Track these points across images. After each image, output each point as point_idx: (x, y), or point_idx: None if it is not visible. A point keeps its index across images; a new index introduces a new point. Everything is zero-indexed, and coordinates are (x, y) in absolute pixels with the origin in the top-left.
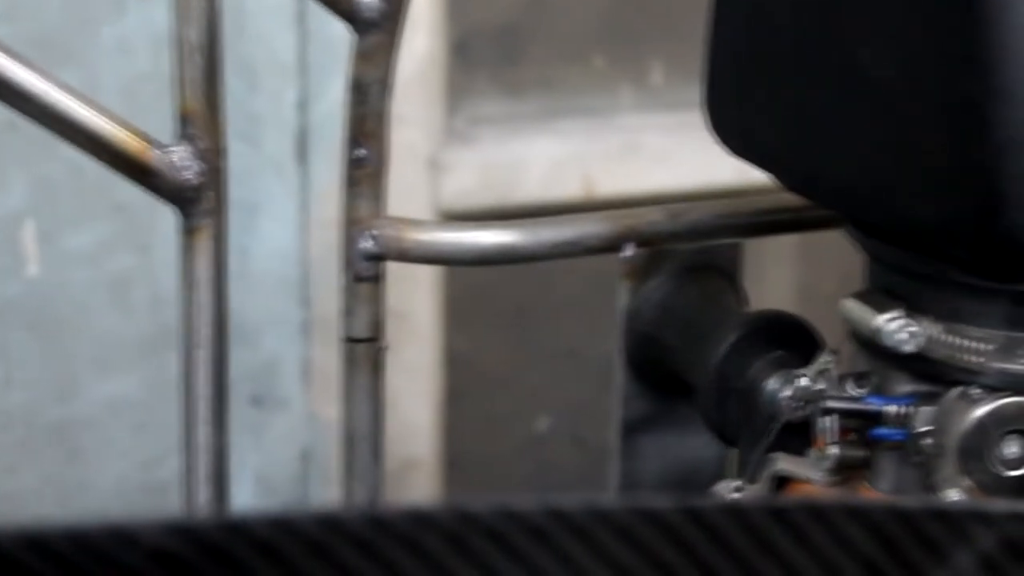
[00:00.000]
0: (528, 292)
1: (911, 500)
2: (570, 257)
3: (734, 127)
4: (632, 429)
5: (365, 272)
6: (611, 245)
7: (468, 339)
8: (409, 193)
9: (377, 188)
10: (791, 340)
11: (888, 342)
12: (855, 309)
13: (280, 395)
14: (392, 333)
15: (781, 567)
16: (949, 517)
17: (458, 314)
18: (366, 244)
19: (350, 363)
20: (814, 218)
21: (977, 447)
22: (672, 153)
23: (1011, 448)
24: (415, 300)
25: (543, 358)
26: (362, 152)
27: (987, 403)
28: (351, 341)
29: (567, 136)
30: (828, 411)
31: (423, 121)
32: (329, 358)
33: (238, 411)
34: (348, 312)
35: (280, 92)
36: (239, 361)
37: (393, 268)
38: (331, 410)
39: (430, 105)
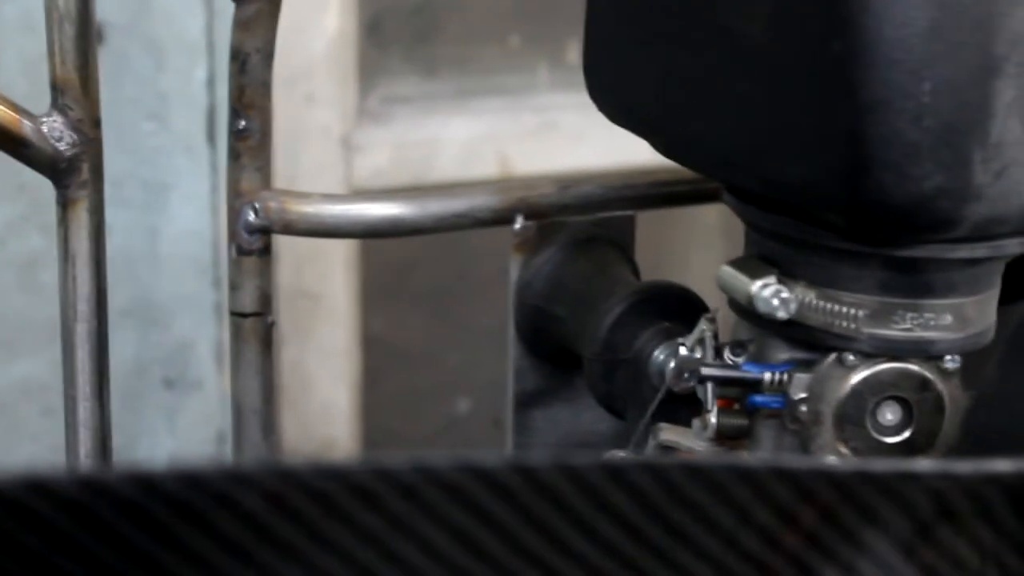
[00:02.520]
0: (445, 271)
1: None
2: (459, 229)
3: (612, 93)
4: (525, 403)
5: (250, 245)
6: (501, 217)
7: (385, 320)
8: (322, 173)
9: (261, 160)
10: (679, 311)
11: (762, 308)
12: (730, 276)
13: (194, 377)
14: (307, 315)
15: (619, 525)
16: (874, 478)
17: (374, 295)
18: (250, 217)
19: (238, 338)
20: (707, 190)
21: (854, 414)
22: (588, 132)
23: (888, 415)
24: (329, 281)
25: (462, 338)
26: (244, 123)
27: (863, 369)
28: (238, 316)
29: (482, 115)
30: (704, 379)
31: (335, 101)
32: None
33: (151, 394)
34: (234, 286)
35: (189, 70)
36: (152, 343)
37: (306, 249)
38: None
39: (342, 85)
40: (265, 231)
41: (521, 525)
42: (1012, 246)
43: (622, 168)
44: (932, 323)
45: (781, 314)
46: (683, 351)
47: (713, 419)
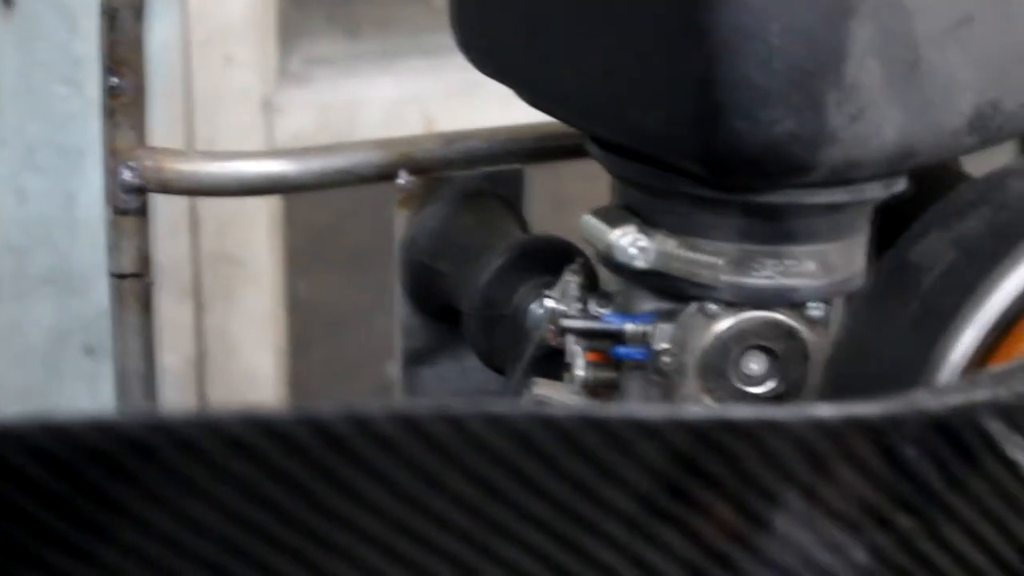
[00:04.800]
0: (371, 233)
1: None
2: (342, 186)
3: (479, 43)
4: (414, 361)
5: (127, 205)
6: (385, 173)
7: (310, 284)
8: (243, 136)
9: (136, 118)
10: (561, 264)
11: (620, 258)
12: (592, 226)
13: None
14: (230, 279)
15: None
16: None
17: (299, 258)
18: (126, 176)
19: (117, 300)
20: None
21: (717, 364)
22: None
23: (753, 364)
24: (252, 245)
25: (390, 302)
26: (116, 81)
27: (726, 319)
28: (117, 277)
29: (406, 76)
30: (564, 331)
31: (256, 62)
32: (164, 306)
33: (72, 361)
34: (113, 247)
35: (102, 34)
36: (71, 311)
37: (228, 213)
38: (168, 357)
39: (263, 46)
40: (142, 190)
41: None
42: (874, 190)
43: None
44: (794, 270)
45: (639, 263)
46: (550, 303)
47: (580, 372)
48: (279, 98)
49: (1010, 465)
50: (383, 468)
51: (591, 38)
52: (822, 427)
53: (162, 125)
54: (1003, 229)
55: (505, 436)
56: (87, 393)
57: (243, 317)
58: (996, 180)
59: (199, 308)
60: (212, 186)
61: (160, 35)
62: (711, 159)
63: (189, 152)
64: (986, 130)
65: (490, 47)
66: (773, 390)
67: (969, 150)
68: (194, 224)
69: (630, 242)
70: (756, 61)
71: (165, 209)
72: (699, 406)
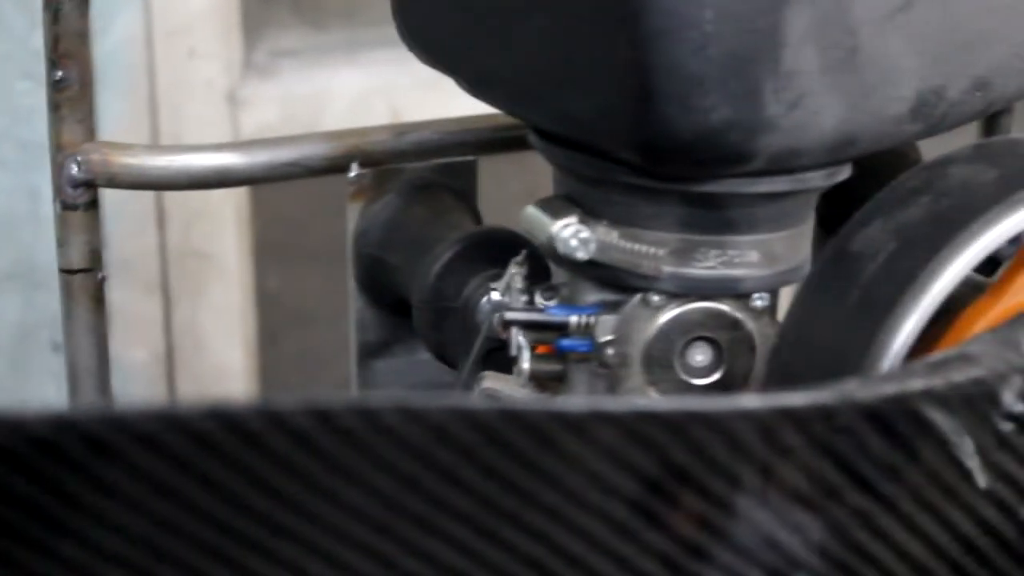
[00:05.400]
0: (340, 227)
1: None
2: (293, 179)
3: (420, 32)
4: (369, 356)
5: (75, 199)
6: (336, 166)
7: (280, 278)
8: (208, 130)
9: (82, 112)
10: (510, 256)
11: (561, 249)
12: (533, 217)
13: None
14: (198, 274)
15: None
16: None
17: (267, 252)
18: (73, 170)
19: (68, 296)
20: None
21: (661, 355)
22: None
23: (698, 356)
24: (220, 240)
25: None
26: (60, 74)
27: (669, 310)
28: (66, 272)
29: (372, 67)
30: (508, 324)
31: (220, 55)
32: (131, 301)
33: (39, 357)
34: (62, 242)
35: None
36: (38, 307)
37: (194, 207)
38: (136, 353)
39: (227, 39)
40: (90, 185)
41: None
42: (816, 179)
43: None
44: (737, 260)
45: (580, 255)
46: (496, 296)
47: (525, 364)
48: (244, 91)
49: (948, 454)
50: (345, 461)
51: (528, 25)
52: (750, 418)
53: (126, 119)
54: (944, 217)
55: (468, 428)
56: (55, 389)
57: (211, 312)
58: (938, 168)
59: (167, 303)
60: (160, 180)
61: (122, 28)
62: (646, 148)
63: (136, 146)
64: (930, 117)
65: (431, 36)
66: (719, 381)
67: (913, 137)
68: (161, 219)
69: (571, 233)
70: (690, 48)
71: (131, 204)
72: (623, 398)
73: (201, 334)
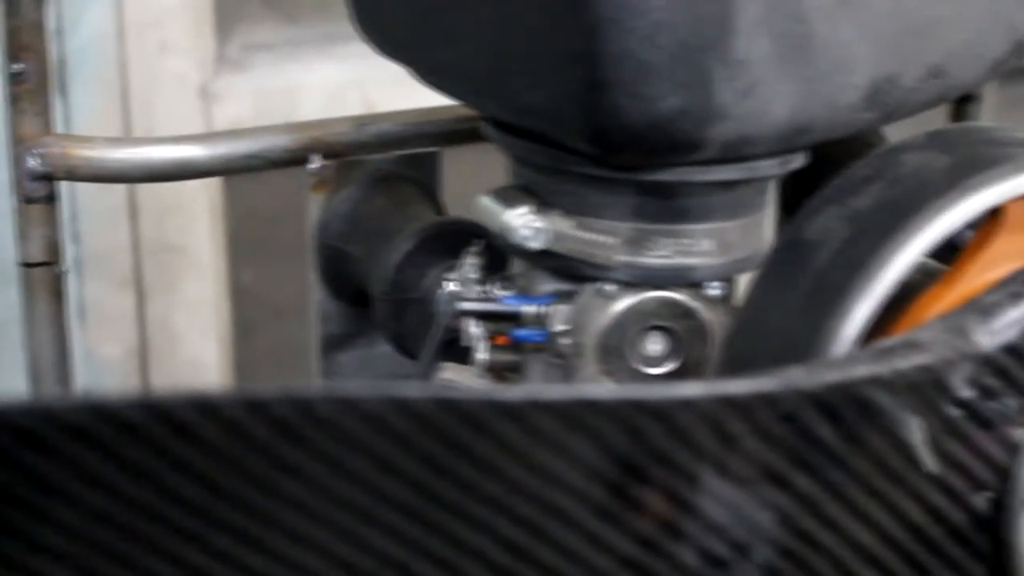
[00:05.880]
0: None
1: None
2: (253, 171)
3: (374, 23)
4: (332, 348)
5: (34, 193)
6: (296, 158)
7: (254, 272)
8: (181, 124)
9: (40, 104)
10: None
11: (515, 239)
12: (487, 207)
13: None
14: (171, 268)
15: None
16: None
17: (241, 246)
18: (33, 163)
19: (27, 289)
20: None
21: (616, 345)
22: None
23: (653, 345)
24: (192, 232)
25: None
26: (20, 67)
27: (623, 299)
28: (26, 266)
29: (346, 61)
30: (461, 314)
31: (193, 49)
32: (104, 295)
33: (10, 353)
34: (22, 236)
35: None
36: (7, 302)
37: (167, 200)
38: (110, 348)
39: (199, 33)
40: (49, 178)
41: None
42: (769, 167)
43: None
44: (691, 249)
45: (533, 244)
46: (452, 287)
47: (480, 355)
48: (217, 85)
49: (895, 440)
50: (280, 451)
51: (479, 14)
52: (691, 406)
53: (98, 115)
54: (895, 204)
55: (404, 416)
56: (27, 384)
57: (186, 306)
58: (891, 156)
59: (141, 297)
60: (120, 172)
61: (93, 23)
62: (597, 136)
63: (95, 138)
64: (885, 105)
65: (385, 27)
66: (675, 370)
67: (868, 125)
68: (133, 213)
69: (524, 223)
70: (639, 36)
71: (103, 199)
72: (561, 386)
73: (175, 328)
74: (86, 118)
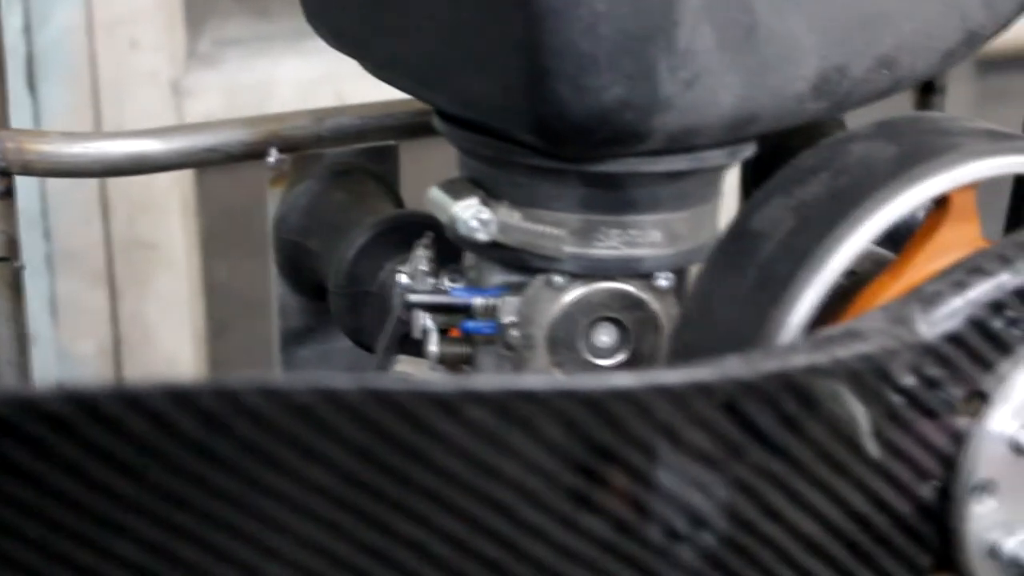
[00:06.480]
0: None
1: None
2: (210, 165)
3: (324, 16)
4: (293, 342)
5: None
6: (255, 152)
7: (228, 268)
8: (152, 120)
9: None
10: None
11: (463, 230)
12: (436, 199)
13: (29, 332)
14: (144, 265)
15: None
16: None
17: (215, 242)
18: None
19: None
20: None
21: (565, 336)
22: None
23: (603, 336)
24: (165, 229)
25: None
26: None
27: (572, 290)
28: None
29: (318, 55)
30: (411, 306)
31: (163, 45)
32: (77, 292)
33: None
34: None
35: (3, 18)
36: None
37: (139, 197)
38: (83, 345)
39: (170, 29)
40: (4, 173)
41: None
42: (717, 157)
43: None
44: (639, 240)
45: (481, 236)
46: (403, 279)
47: (432, 347)
48: (188, 80)
49: (836, 429)
50: (206, 442)
51: (426, 6)
52: (624, 396)
53: (68, 110)
54: (841, 194)
55: (332, 408)
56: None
57: (159, 302)
58: (838, 145)
59: (114, 294)
60: (75, 167)
61: (63, 18)
62: (541, 128)
63: (51, 132)
64: (834, 95)
65: (335, 20)
66: (625, 361)
67: (818, 116)
68: (105, 209)
69: (472, 215)
70: (581, 26)
71: (75, 195)
72: (493, 376)
73: (149, 325)
74: (57, 115)
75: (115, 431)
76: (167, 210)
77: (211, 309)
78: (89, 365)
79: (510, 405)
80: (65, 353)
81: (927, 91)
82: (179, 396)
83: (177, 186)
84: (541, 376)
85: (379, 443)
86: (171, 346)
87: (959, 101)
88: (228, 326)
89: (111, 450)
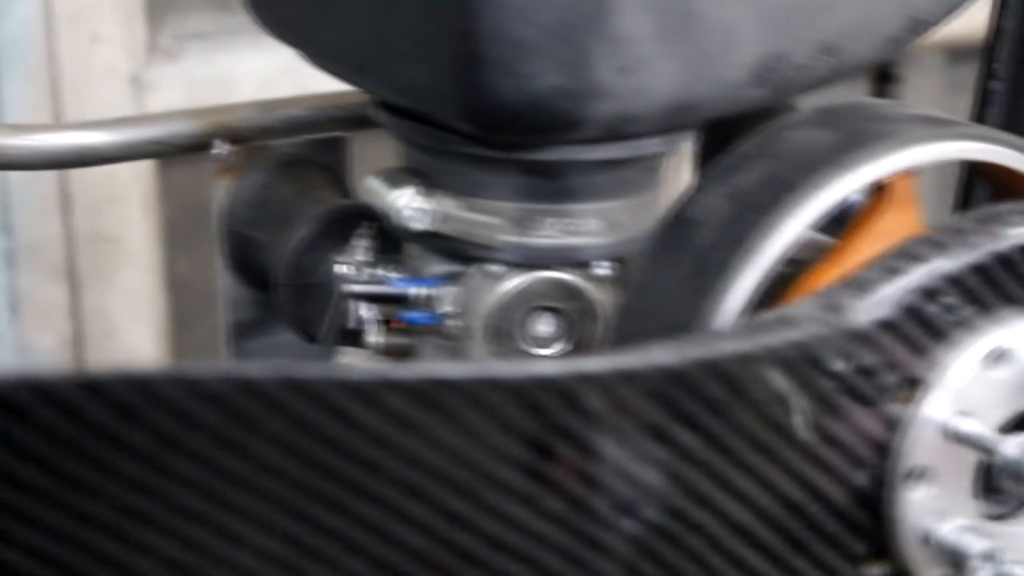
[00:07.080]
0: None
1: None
2: (158, 157)
3: (264, 6)
4: (242, 335)
5: None
6: (202, 143)
7: (190, 262)
8: (112, 114)
9: None
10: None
11: (399, 219)
12: (374, 188)
13: None
14: (105, 258)
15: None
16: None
17: (177, 236)
18: None
19: None
20: None
21: (503, 326)
22: None
23: (541, 326)
24: (127, 223)
25: None
26: None
27: (509, 280)
28: None
29: (280, 49)
30: (347, 296)
31: (123, 39)
32: (38, 287)
33: None
34: None
35: None
36: None
37: (101, 191)
38: (44, 339)
39: (130, 22)
40: None
41: None
42: (654, 145)
43: None
44: (577, 229)
45: (418, 225)
46: (343, 269)
47: (371, 338)
48: (149, 75)
49: (768, 417)
50: (117, 432)
51: None
52: (550, 385)
53: (27, 105)
54: (777, 181)
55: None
56: None
57: (121, 296)
58: (776, 132)
59: (75, 288)
60: (20, 160)
61: (23, 11)
62: (475, 115)
63: None
64: (774, 82)
65: (274, 9)
66: (563, 351)
67: (758, 103)
68: (65, 203)
69: (407, 203)
70: (515, 13)
71: (34, 188)
72: (410, 364)
73: (111, 319)
74: (17, 109)
75: (73, 418)
76: (128, 204)
77: (173, 303)
78: (50, 359)
79: (429, 393)
80: (26, 347)
81: (885, 80)
82: (89, 387)
83: (138, 180)
84: (462, 364)
85: (296, 431)
86: (133, 340)
87: (926, 91)
88: (190, 320)
89: (71, 437)
